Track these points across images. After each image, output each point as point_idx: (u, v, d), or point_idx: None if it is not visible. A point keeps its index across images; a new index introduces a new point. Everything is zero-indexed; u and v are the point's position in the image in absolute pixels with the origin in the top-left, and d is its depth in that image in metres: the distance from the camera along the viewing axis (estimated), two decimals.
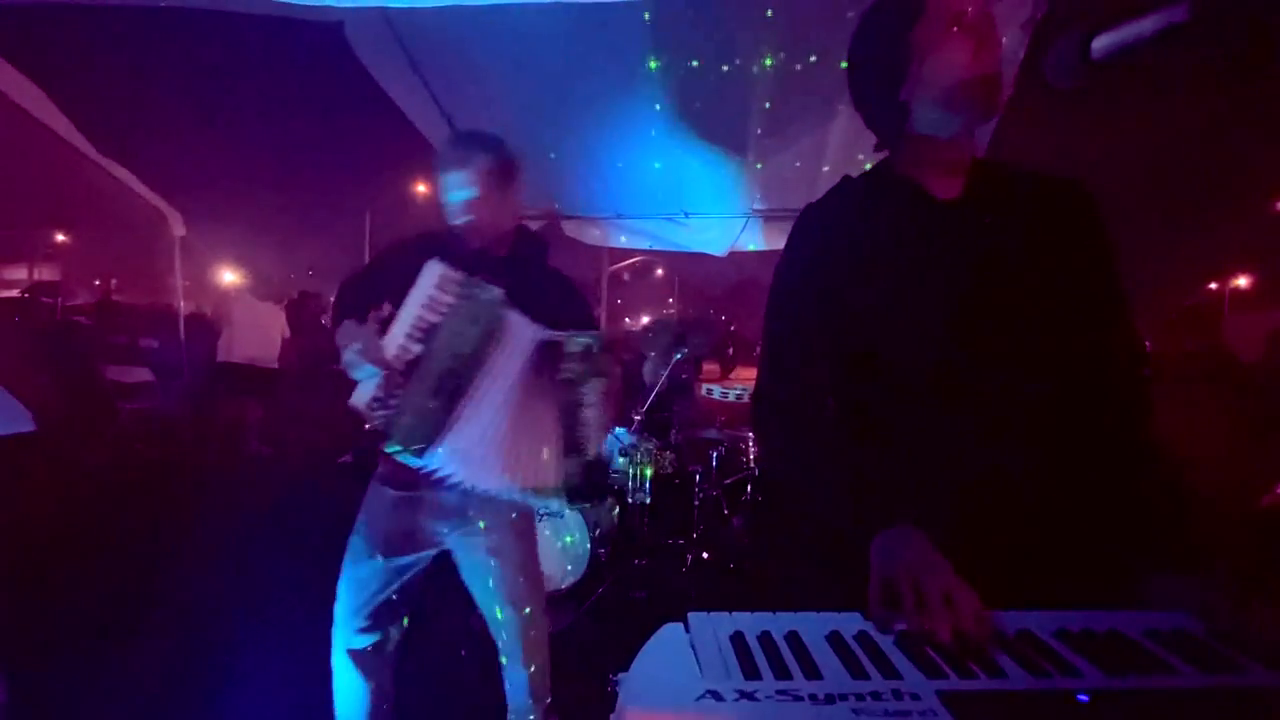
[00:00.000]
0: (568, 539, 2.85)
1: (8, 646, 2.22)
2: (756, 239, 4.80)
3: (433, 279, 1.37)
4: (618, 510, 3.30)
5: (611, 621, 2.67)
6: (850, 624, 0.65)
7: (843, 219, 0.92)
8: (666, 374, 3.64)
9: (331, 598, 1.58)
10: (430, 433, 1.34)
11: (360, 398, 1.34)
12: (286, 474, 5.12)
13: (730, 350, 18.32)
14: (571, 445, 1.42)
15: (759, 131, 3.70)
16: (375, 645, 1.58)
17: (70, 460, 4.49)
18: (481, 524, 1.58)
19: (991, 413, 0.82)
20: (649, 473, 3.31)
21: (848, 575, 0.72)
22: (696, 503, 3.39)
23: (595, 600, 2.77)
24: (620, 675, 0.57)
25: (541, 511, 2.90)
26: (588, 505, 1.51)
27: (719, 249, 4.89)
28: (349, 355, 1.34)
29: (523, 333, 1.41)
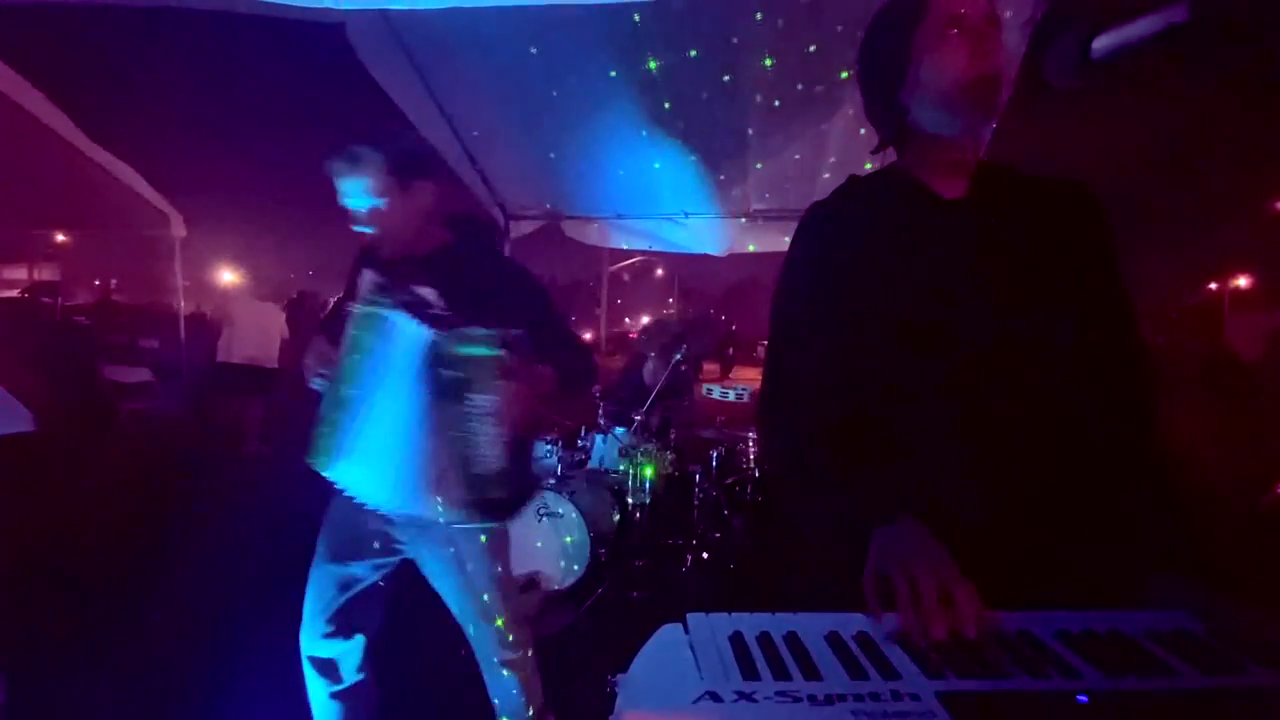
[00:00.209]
0: (568, 539, 2.85)
1: (8, 646, 2.22)
2: (756, 239, 4.80)
3: (354, 289, 1.43)
4: (618, 510, 3.30)
5: (611, 621, 2.67)
6: (849, 624, 0.65)
7: (848, 217, 0.92)
8: (667, 374, 3.64)
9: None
10: (330, 446, 1.36)
11: None
12: (286, 474, 5.13)
13: (730, 350, 18.37)
14: (465, 458, 1.33)
15: (758, 131, 3.70)
16: (340, 654, 1.56)
17: (70, 460, 4.50)
18: (442, 534, 1.51)
19: (994, 411, 0.82)
20: (649, 473, 3.31)
21: (847, 575, 0.72)
22: (696, 503, 3.39)
23: (595, 600, 2.77)
24: (619, 676, 0.56)
25: (541, 511, 2.90)
26: (497, 522, 1.47)
27: (719, 249, 4.89)
28: (304, 365, 1.45)
29: (409, 338, 1.33)
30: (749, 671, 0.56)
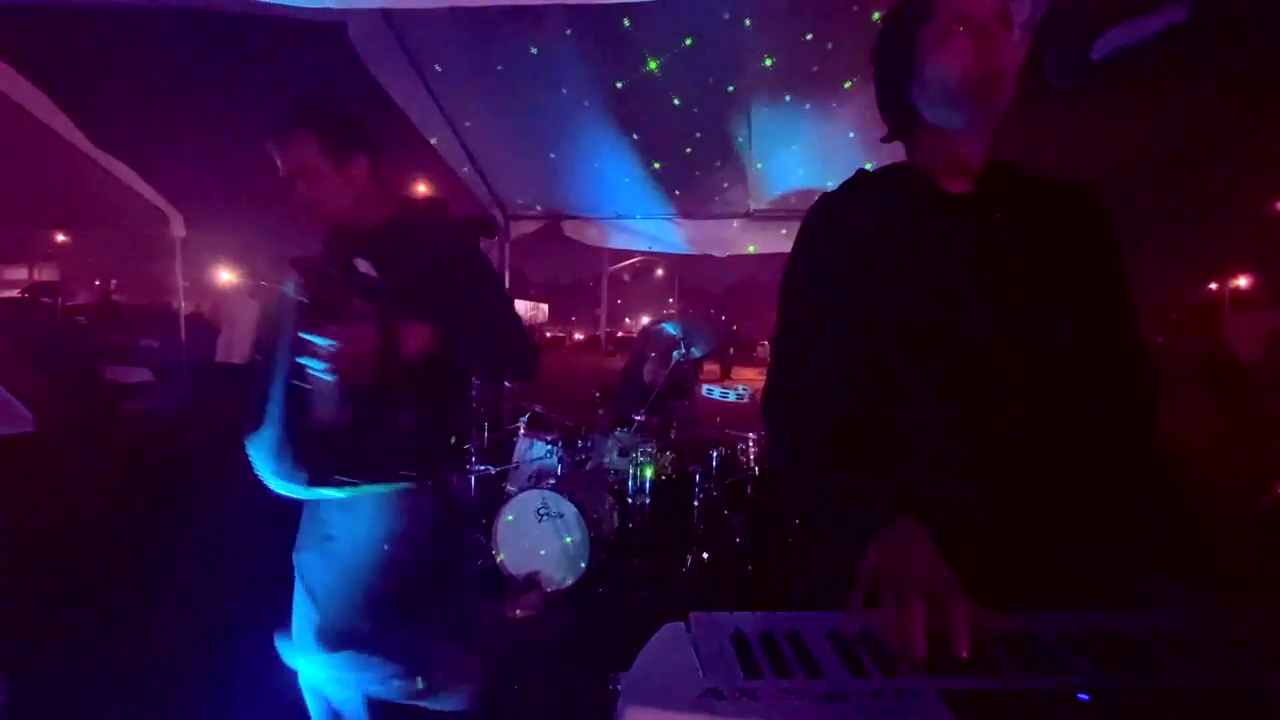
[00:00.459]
0: (568, 539, 2.85)
1: (8, 646, 2.22)
2: (756, 240, 4.80)
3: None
4: (618, 510, 3.30)
5: (611, 621, 2.67)
6: (851, 623, 0.65)
7: (854, 211, 0.92)
8: (667, 374, 3.64)
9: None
10: (251, 429, 1.38)
11: None
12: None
13: (730, 350, 18.37)
14: (306, 417, 1.32)
15: (758, 132, 3.70)
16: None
17: (70, 460, 4.50)
18: (320, 507, 1.49)
19: (995, 408, 0.82)
20: (649, 473, 3.32)
21: (848, 575, 0.72)
22: (696, 503, 3.39)
23: (595, 600, 2.77)
24: (621, 674, 0.57)
25: (541, 511, 2.90)
26: (334, 491, 1.38)
27: (719, 250, 4.89)
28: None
29: (288, 325, 1.33)
30: (751, 670, 0.56)
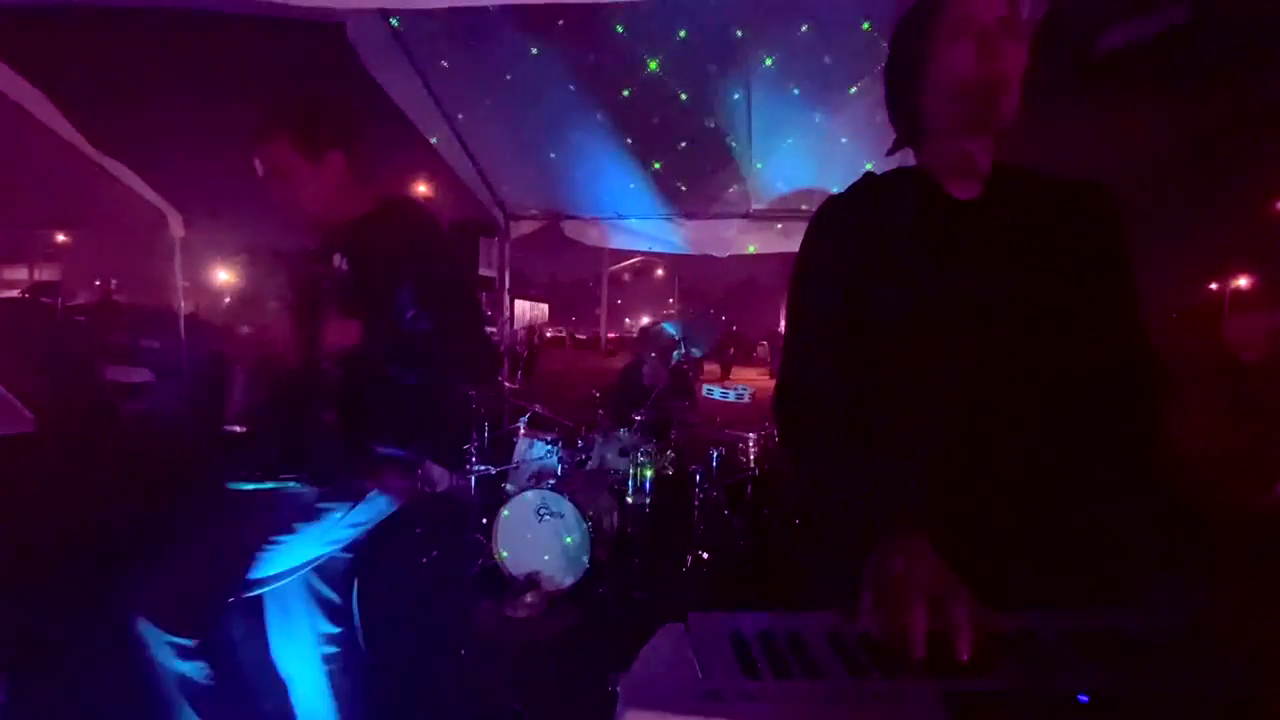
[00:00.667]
0: (568, 539, 2.85)
1: (8, 646, 2.22)
2: (756, 240, 4.80)
3: None
4: (618, 510, 3.30)
5: (611, 621, 2.67)
6: (852, 624, 0.65)
7: (862, 214, 0.93)
8: (667, 375, 3.64)
9: (353, 585, 1.62)
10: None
11: None
12: None
13: (730, 350, 18.38)
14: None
15: (759, 132, 3.71)
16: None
17: (70, 460, 4.49)
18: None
19: (1000, 411, 0.83)
20: (649, 473, 3.32)
21: (848, 575, 0.72)
22: (696, 503, 3.39)
23: (595, 600, 2.77)
24: (620, 675, 0.56)
25: (541, 511, 2.90)
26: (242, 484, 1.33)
27: (719, 250, 4.89)
28: None
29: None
30: (750, 670, 0.56)
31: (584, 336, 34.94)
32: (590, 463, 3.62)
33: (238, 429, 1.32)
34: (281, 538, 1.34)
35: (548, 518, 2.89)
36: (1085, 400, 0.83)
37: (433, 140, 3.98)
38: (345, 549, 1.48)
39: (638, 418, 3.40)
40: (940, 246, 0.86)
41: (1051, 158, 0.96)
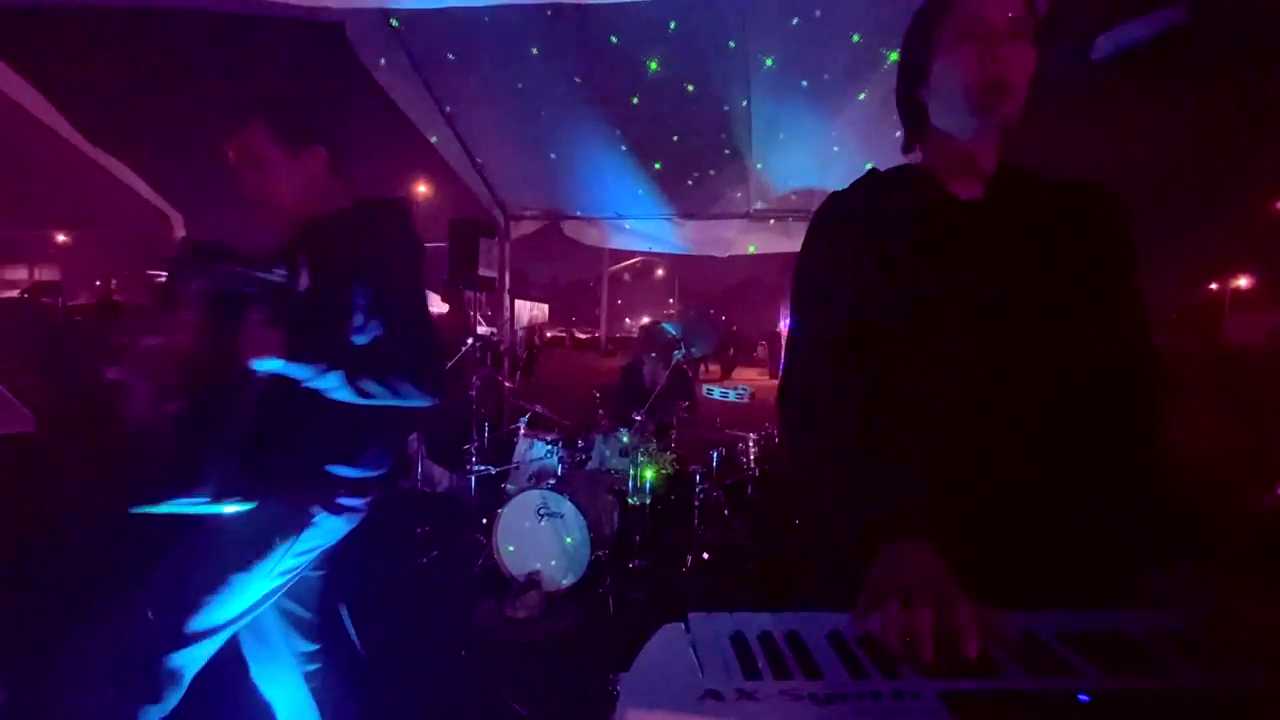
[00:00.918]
0: (568, 539, 2.85)
1: (8, 646, 2.22)
2: (756, 240, 4.81)
3: None
4: (618, 510, 3.30)
5: (611, 621, 2.67)
6: (853, 625, 0.65)
7: (864, 210, 0.93)
8: (667, 375, 3.64)
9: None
10: None
11: None
12: None
13: (730, 350, 18.37)
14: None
15: (759, 132, 3.71)
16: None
17: (70, 460, 4.49)
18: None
19: (1000, 411, 0.83)
20: (649, 473, 3.32)
21: (849, 576, 0.72)
22: (696, 503, 3.39)
23: (596, 600, 2.77)
24: (621, 675, 0.57)
25: (541, 511, 2.90)
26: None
27: (719, 250, 4.89)
28: None
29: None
30: (750, 670, 0.56)
31: (584, 336, 34.93)
32: (590, 463, 3.62)
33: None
34: (228, 578, 1.21)
35: (548, 518, 2.89)
36: (1086, 401, 0.83)
37: (433, 140, 3.99)
38: (314, 567, 1.39)
39: (638, 418, 3.40)
40: (942, 246, 0.86)
41: (1052, 158, 0.96)
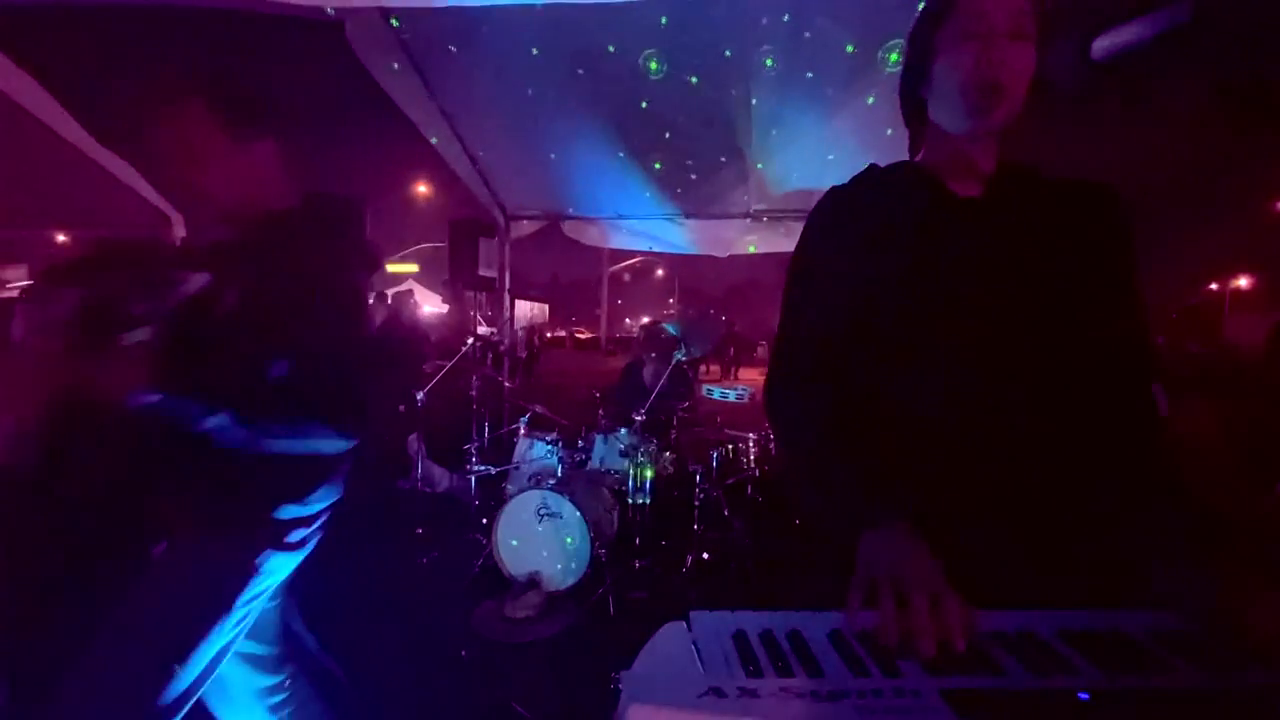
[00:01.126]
0: (568, 539, 2.85)
1: (8, 647, 2.21)
2: (756, 240, 4.81)
3: None
4: (618, 511, 3.30)
5: (612, 622, 2.67)
6: (852, 622, 0.65)
7: (863, 206, 0.93)
8: (667, 375, 3.64)
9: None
10: None
11: None
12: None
13: (730, 350, 18.37)
14: None
15: (759, 132, 3.71)
16: None
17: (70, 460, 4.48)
18: None
19: (996, 408, 0.83)
20: (649, 473, 3.31)
21: (848, 575, 0.72)
22: (696, 503, 3.39)
23: (596, 600, 2.77)
24: (623, 672, 0.57)
25: (541, 512, 2.90)
26: None
27: (719, 250, 4.90)
28: None
29: None
30: (752, 668, 0.56)
31: (584, 336, 34.94)
32: (590, 463, 3.62)
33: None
34: (187, 643, 1.07)
35: (548, 518, 2.89)
36: (1084, 399, 0.83)
37: (433, 140, 3.99)
38: (270, 599, 1.24)
39: (638, 418, 3.40)
40: (940, 243, 0.87)
41: (1052, 158, 0.96)
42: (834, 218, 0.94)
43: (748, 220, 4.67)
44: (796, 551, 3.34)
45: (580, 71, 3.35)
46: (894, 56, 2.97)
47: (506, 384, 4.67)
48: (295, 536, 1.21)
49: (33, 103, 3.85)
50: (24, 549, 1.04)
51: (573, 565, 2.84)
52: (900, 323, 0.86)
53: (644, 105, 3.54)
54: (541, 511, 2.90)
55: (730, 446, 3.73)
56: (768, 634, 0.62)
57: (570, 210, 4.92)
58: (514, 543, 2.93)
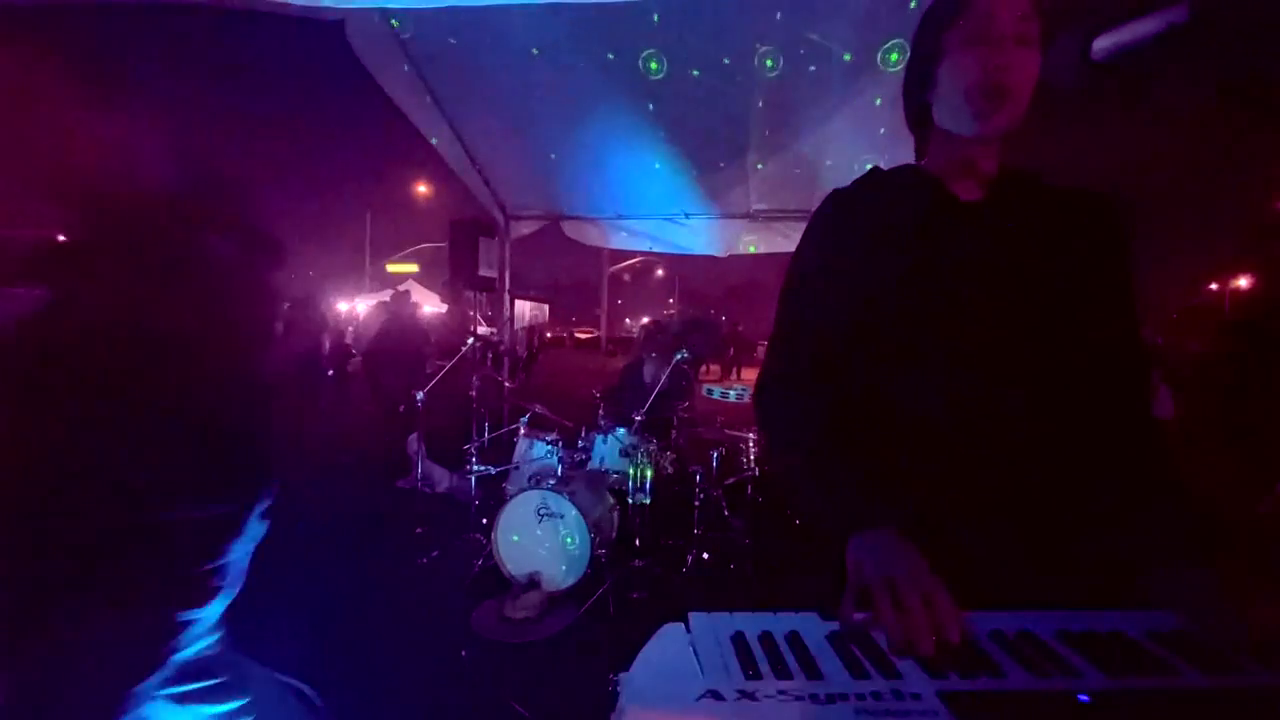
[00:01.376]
0: (568, 540, 2.85)
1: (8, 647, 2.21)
2: (756, 240, 4.81)
3: None
4: (618, 511, 3.30)
5: (612, 622, 2.67)
6: (849, 624, 0.65)
7: (864, 208, 0.93)
8: (667, 375, 3.64)
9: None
10: None
11: None
12: (285, 474, 5.12)
13: (731, 350, 18.37)
14: None
15: (758, 132, 3.71)
16: None
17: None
18: None
19: (993, 412, 0.83)
20: (649, 473, 3.31)
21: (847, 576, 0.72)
22: (696, 503, 3.39)
23: (596, 600, 2.77)
24: (621, 675, 0.57)
25: (541, 512, 2.90)
26: None
27: (719, 250, 4.90)
28: None
29: None
30: (751, 670, 0.56)
31: (584, 336, 34.94)
32: (590, 463, 3.62)
33: None
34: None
35: (548, 518, 2.89)
36: (1082, 401, 0.83)
37: (433, 140, 3.99)
38: (207, 634, 1.11)
39: (638, 418, 3.40)
40: (941, 246, 0.87)
41: (1052, 158, 0.96)
42: (835, 220, 0.94)
43: (747, 220, 4.67)
44: (796, 552, 3.34)
45: (580, 72, 3.35)
46: (894, 57, 2.97)
47: (506, 384, 4.67)
48: (212, 587, 1.05)
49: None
50: None
51: (573, 565, 2.84)
52: (900, 324, 0.86)
53: (644, 105, 3.54)
54: (541, 511, 2.90)
55: (730, 447, 3.73)
56: (766, 636, 0.62)
57: (570, 210, 4.92)
58: (514, 543, 2.93)
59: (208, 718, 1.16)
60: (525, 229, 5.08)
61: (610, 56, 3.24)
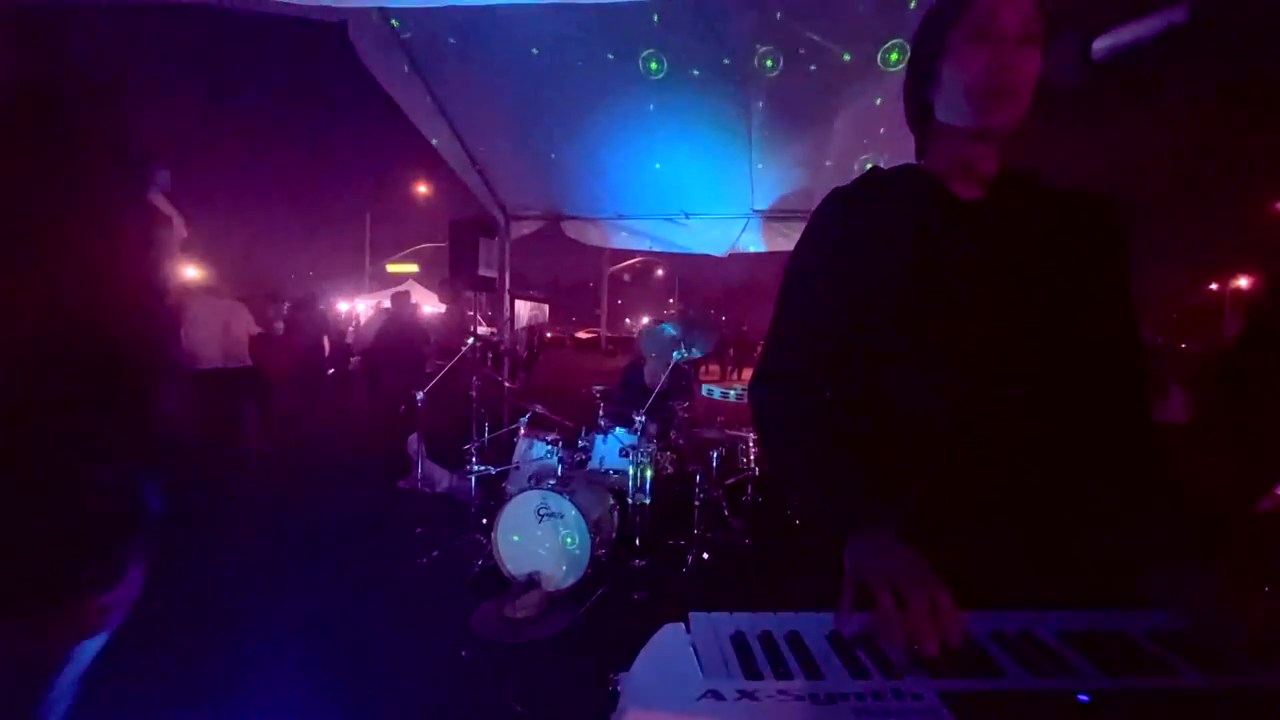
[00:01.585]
0: (568, 540, 2.85)
1: None
2: (756, 240, 4.81)
3: None
4: (618, 511, 3.30)
5: (611, 622, 2.67)
6: (849, 624, 0.65)
7: (865, 207, 0.93)
8: (667, 375, 3.64)
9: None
10: None
11: None
12: (285, 474, 5.12)
13: (731, 350, 18.36)
14: None
15: (759, 132, 3.71)
16: None
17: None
18: None
19: (991, 411, 0.83)
20: (649, 473, 3.31)
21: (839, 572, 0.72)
22: (696, 503, 3.39)
23: (596, 600, 2.77)
24: (621, 675, 0.57)
25: (541, 512, 2.90)
26: None
27: (719, 250, 4.90)
28: None
29: None
30: (751, 670, 0.56)
31: (584, 336, 34.94)
32: (590, 463, 3.62)
33: None
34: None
35: (548, 518, 2.89)
36: (1082, 401, 0.83)
37: (433, 141, 3.99)
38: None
39: (638, 418, 3.40)
40: (940, 245, 0.87)
41: (1052, 157, 0.96)
42: (835, 219, 0.94)
43: (747, 220, 4.67)
44: (796, 551, 3.34)
45: (580, 72, 3.35)
46: (894, 57, 2.97)
47: (506, 384, 4.67)
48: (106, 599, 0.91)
49: None
50: None
51: (573, 565, 2.84)
52: (900, 324, 0.86)
53: (644, 105, 3.55)
54: (541, 511, 2.90)
55: (730, 447, 3.73)
56: (767, 636, 0.62)
57: (570, 210, 4.92)
58: (514, 543, 2.93)
59: None
60: (525, 229, 5.08)
61: (610, 56, 3.24)
